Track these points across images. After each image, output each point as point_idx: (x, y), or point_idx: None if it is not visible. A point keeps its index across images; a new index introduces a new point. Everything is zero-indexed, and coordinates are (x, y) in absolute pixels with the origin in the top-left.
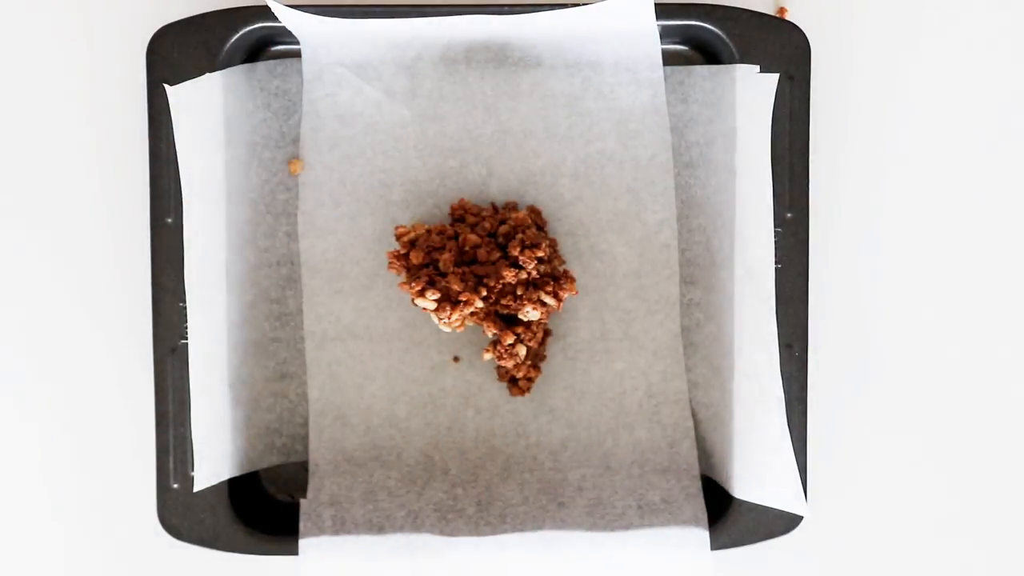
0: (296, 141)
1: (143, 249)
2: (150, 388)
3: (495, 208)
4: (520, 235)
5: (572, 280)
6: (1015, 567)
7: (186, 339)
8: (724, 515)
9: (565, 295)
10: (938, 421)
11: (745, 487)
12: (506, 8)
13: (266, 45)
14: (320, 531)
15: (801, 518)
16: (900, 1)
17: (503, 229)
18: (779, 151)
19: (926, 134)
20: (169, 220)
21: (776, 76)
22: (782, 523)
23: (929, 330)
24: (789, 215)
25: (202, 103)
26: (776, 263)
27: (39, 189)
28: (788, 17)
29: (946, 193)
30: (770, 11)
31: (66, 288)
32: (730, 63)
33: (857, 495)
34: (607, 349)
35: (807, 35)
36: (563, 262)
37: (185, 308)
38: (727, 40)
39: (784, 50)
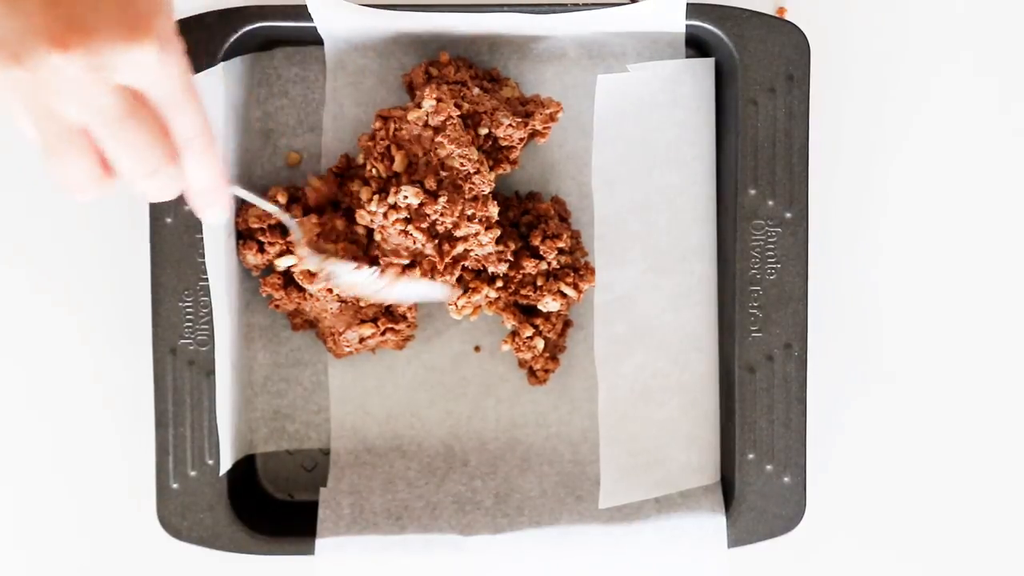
0: (313, 129)
1: (143, 249)
2: (150, 388)
3: (518, 197)
4: (542, 225)
5: (592, 272)
6: (1015, 566)
7: (186, 339)
8: (724, 515)
9: (585, 287)
10: (938, 420)
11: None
12: (536, 8)
13: (266, 45)
14: (339, 519)
15: (801, 518)
16: (899, 1)
17: (526, 219)
18: (778, 151)
19: (925, 134)
20: (169, 220)
21: (712, 60)
22: (782, 523)
23: (929, 329)
24: (788, 215)
25: (206, 93)
26: (775, 263)
27: (39, 188)
28: (788, 17)
29: (946, 193)
30: (770, 11)
31: (66, 288)
32: (729, 63)
33: (857, 495)
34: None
35: (807, 35)
36: (586, 254)
37: (184, 308)
38: (727, 40)
39: (784, 50)
